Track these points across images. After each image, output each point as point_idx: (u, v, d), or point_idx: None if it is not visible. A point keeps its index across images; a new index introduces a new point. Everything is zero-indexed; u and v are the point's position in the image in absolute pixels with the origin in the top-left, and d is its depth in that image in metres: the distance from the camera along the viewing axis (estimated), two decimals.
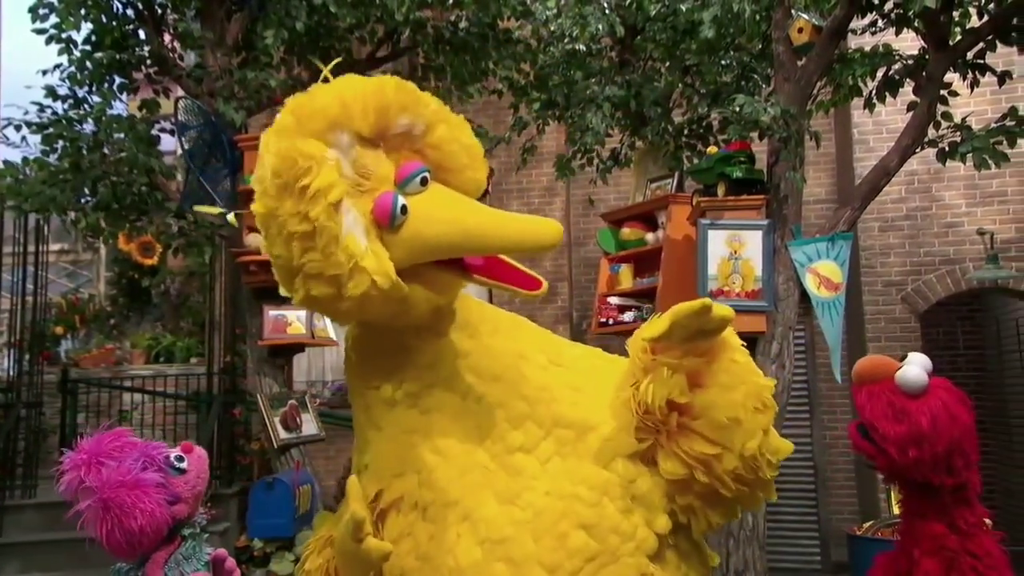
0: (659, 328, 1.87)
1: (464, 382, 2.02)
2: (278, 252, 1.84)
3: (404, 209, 1.82)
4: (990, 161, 4.81)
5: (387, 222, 1.82)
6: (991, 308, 8.45)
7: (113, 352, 9.23)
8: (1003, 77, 5.05)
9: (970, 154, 4.81)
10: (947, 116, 5.08)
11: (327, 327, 5.57)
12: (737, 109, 4.70)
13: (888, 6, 5.10)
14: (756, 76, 5.84)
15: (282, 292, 1.97)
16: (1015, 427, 7.73)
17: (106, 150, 5.60)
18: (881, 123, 7.32)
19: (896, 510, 5.41)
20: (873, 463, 2.38)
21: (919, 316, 7.43)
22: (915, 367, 2.32)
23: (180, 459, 2.50)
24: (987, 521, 2.36)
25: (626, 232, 5.92)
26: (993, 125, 4.93)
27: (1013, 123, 4.87)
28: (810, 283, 4.89)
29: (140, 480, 2.34)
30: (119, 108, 6.05)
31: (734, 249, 4.90)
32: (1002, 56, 5.15)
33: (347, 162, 1.81)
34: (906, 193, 7.35)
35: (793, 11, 5.12)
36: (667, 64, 6.10)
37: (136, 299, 9.85)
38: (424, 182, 1.87)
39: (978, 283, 7.15)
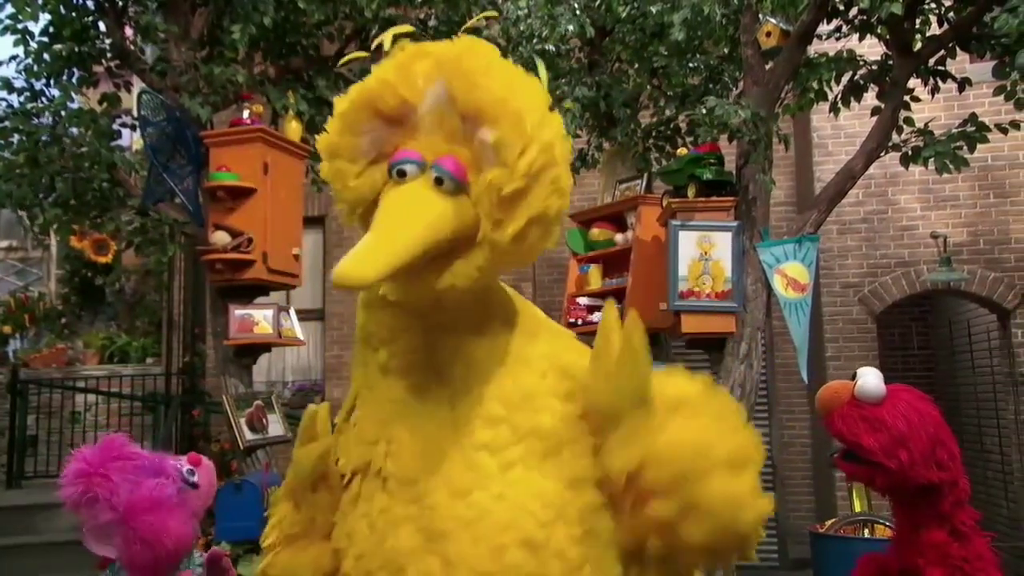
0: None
1: (456, 370, 1.95)
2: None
3: (402, 174, 1.71)
4: (950, 165, 4.92)
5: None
6: (943, 310, 8.67)
7: (65, 352, 9.00)
8: (963, 84, 5.18)
9: (932, 158, 4.92)
10: (909, 121, 5.19)
11: (294, 327, 5.50)
12: (705, 112, 4.75)
13: (852, 12, 5.20)
14: (726, 78, 5.90)
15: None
16: (966, 426, 7.92)
17: (65, 144, 5.46)
18: (840, 127, 7.47)
19: (858, 507, 5.51)
20: (871, 483, 2.41)
21: (875, 317, 7.59)
22: (870, 377, 2.38)
23: (191, 472, 2.46)
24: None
25: (595, 233, 5.95)
26: (954, 130, 5.05)
27: (973, 128, 5.00)
28: (778, 284, 4.96)
29: (165, 502, 2.29)
30: (76, 102, 5.88)
31: (704, 250, 4.95)
32: (953, 64, 5.27)
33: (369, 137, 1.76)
34: (863, 197, 7.51)
35: (761, 15, 5.20)
36: (635, 66, 6.13)
37: (89, 298, 9.61)
38: (440, 183, 1.69)
39: (932, 285, 7.33)
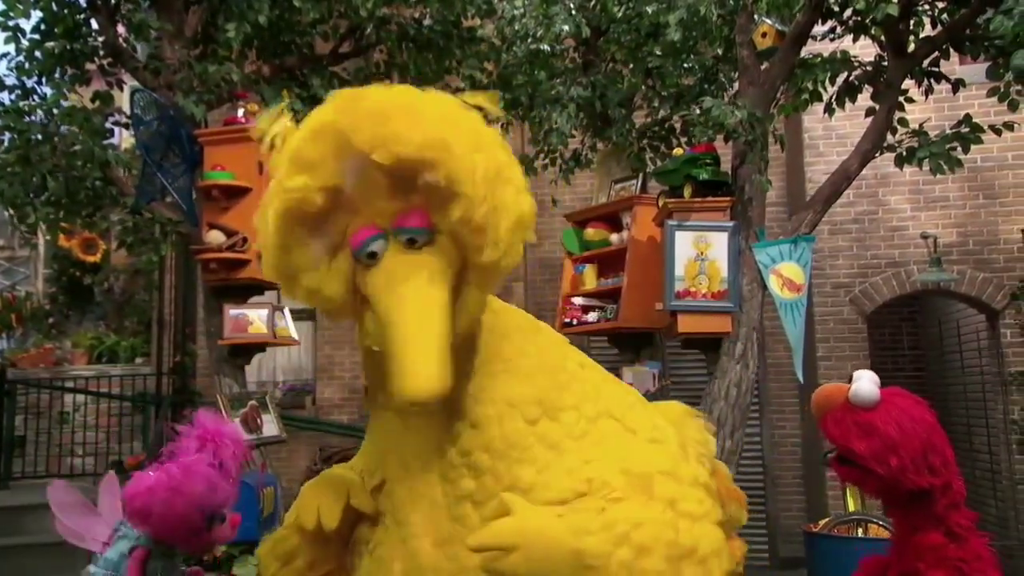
0: None
1: (445, 414, 1.94)
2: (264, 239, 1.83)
3: (372, 254, 1.73)
4: (945, 166, 4.95)
5: (355, 252, 1.75)
6: (933, 310, 8.72)
7: (53, 352, 8.93)
8: (957, 85, 5.21)
9: (927, 159, 4.95)
10: (903, 122, 5.22)
11: (289, 326, 5.48)
12: (697, 111, 4.77)
13: (847, 13, 5.23)
14: (722, 78, 5.92)
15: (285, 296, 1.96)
16: (956, 426, 7.97)
17: (57, 142, 5.41)
18: (831, 128, 7.50)
19: (852, 507, 5.54)
20: (863, 487, 2.42)
21: (866, 317, 7.62)
22: (864, 382, 2.37)
23: (223, 518, 2.77)
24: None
25: (590, 232, 5.94)
26: (949, 131, 5.08)
27: (967, 129, 5.03)
28: (773, 284, 4.97)
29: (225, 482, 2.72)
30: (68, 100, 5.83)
31: (701, 250, 4.96)
32: (943, 66, 5.31)
33: (347, 183, 1.71)
34: (854, 198, 7.53)
35: (756, 16, 5.21)
36: (630, 66, 6.14)
37: (77, 297, 9.54)
38: (431, 242, 1.73)
39: (922, 285, 7.38)
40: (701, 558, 1.87)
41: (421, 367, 1.62)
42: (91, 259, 9.08)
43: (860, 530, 5.21)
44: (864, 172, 6.38)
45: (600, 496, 1.84)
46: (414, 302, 1.68)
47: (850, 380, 2.41)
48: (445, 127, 1.66)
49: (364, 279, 1.75)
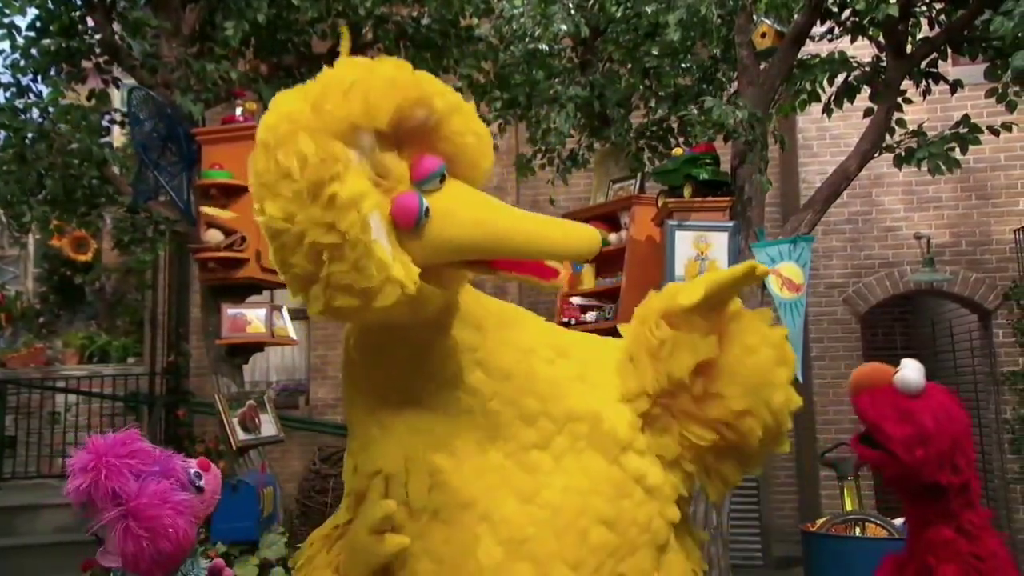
0: (694, 296, 1.91)
1: (473, 380, 1.97)
2: (295, 261, 1.65)
3: (427, 211, 1.70)
4: (943, 167, 4.98)
5: (411, 225, 1.68)
6: (925, 310, 8.77)
7: (43, 352, 8.88)
8: (955, 86, 5.24)
9: (925, 160, 4.97)
10: (901, 123, 5.24)
11: (287, 326, 5.45)
12: (696, 111, 4.77)
13: (845, 14, 5.25)
14: (721, 79, 5.93)
15: (292, 300, 1.81)
16: None
17: (53, 140, 5.37)
18: (825, 129, 7.54)
19: (849, 506, 5.56)
20: (881, 470, 2.42)
21: (859, 317, 7.66)
22: (912, 369, 2.39)
23: (199, 476, 2.42)
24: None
25: None
26: (947, 132, 5.10)
27: (966, 130, 5.05)
28: (773, 284, 4.97)
29: (176, 500, 2.25)
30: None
31: (701, 250, 4.96)
32: (940, 66, 5.34)
33: (368, 164, 1.67)
34: (848, 198, 7.54)
35: (755, 16, 5.22)
36: (628, 66, 6.14)
37: (68, 296, 9.49)
38: (442, 179, 1.75)
39: (915, 285, 7.42)
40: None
41: (567, 224, 1.77)
42: (82, 258, 9.03)
43: (858, 529, 5.22)
44: None
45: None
46: (498, 203, 1.80)
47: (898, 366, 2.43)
48: (397, 71, 1.70)
49: (421, 244, 1.71)
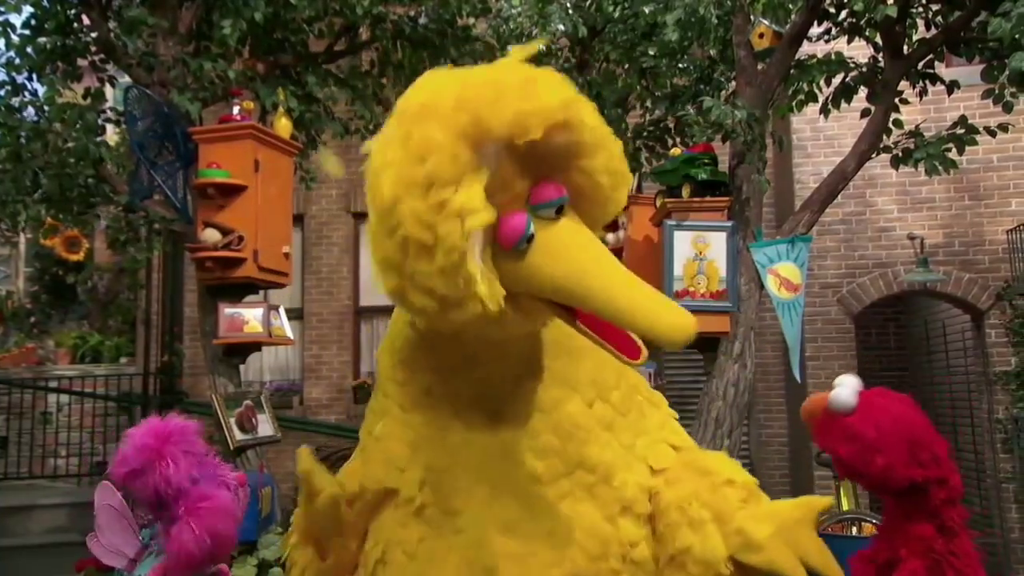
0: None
1: (505, 403, 1.94)
2: (385, 246, 1.59)
3: (531, 238, 1.61)
4: (940, 167, 5.00)
5: (511, 246, 1.60)
6: (919, 310, 8.80)
7: (35, 351, 8.82)
8: (952, 87, 5.27)
9: (922, 160, 5.00)
10: (898, 123, 5.27)
11: (284, 326, 5.43)
12: (694, 112, 4.78)
13: (843, 15, 5.27)
14: (719, 79, 5.94)
15: (377, 281, 1.69)
16: (941, 425, 8.05)
17: (49, 139, 5.34)
18: (819, 130, 7.56)
19: (846, 506, 5.57)
20: (860, 484, 2.45)
21: (853, 317, 7.69)
22: (841, 388, 2.40)
23: (238, 490, 2.48)
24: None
25: None
26: (944, 133, 5.13)
27: (963, 131, 5.08)
28: (771, 284, 5.00)
29: (236, 514, 2.36)
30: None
31: (699, 250, 4.98)
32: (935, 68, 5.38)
33: (489, 172, 1.55)
34: (842, 199, 7.51)
35: (753, 17, 5.24)
36: (625, 66, 6.15)
37: (60, 296, 9.43)
38: (560, 210, 1.64)
39: (908, 286, 7.45)
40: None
41: (665, 304, 1.58)
42: (74, 257, 8.97)
43: (854, 528, 5.24)
44: None
45: (662, 479, 1.93)
46: (607, 256, 1.64)
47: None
48: (553, 91, 1.57)
49: (514, 268, 1.63)
